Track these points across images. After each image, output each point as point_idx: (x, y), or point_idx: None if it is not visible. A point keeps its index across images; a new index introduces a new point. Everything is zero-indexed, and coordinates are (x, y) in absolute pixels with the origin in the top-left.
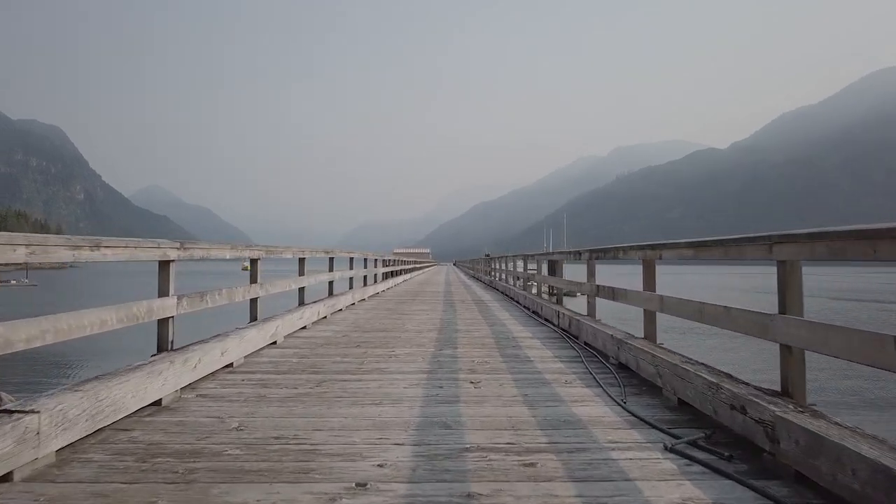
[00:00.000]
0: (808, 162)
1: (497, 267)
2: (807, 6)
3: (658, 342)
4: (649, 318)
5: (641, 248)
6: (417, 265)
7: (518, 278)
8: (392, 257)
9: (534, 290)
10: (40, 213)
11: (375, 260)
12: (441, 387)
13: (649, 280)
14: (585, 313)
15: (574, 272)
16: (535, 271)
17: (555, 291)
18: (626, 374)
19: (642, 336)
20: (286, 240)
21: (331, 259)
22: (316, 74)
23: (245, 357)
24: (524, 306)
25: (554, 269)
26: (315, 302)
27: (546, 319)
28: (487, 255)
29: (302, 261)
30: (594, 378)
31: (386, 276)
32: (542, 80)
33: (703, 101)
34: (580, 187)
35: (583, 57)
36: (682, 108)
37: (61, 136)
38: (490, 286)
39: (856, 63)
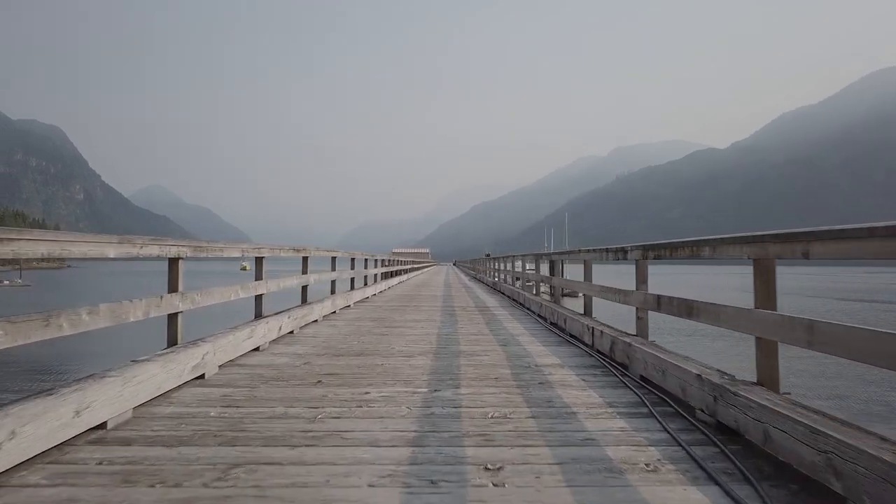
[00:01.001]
0: (808, 162)
1: (502, 268)
2: (807, 6)
3: (783, 391)
4: (767, 353)
5: (755, 240)
6: (415, 265)
7: (529, 281)
8: (386, 257)
9: (535, 291)
10: (39, 213)
11: (365, 260)
12: (434, 482)
13: (765, 290)
14: (634, 333)
15: (577, 273)
16: (551, 274)
17: (564, 293)
18: (738, 445)
19: (754, 381)
20: (286, 240)
21: (304, 259)
22: (316, 74)
23: (137, 408)
24: (539, 315)
25: (554, 269)
26: (277, 314)
27: (572, 336)
28: (488, 255)
29: (259, 261)
30: (690, 456)
31: (381, 277)
32: (541, 80)
33: (703, 101)
34: (580, 187)
35: (583, 57)
36: (682, 108)
37: (61, 136)
38: (494, 289)
39: (856, 63)
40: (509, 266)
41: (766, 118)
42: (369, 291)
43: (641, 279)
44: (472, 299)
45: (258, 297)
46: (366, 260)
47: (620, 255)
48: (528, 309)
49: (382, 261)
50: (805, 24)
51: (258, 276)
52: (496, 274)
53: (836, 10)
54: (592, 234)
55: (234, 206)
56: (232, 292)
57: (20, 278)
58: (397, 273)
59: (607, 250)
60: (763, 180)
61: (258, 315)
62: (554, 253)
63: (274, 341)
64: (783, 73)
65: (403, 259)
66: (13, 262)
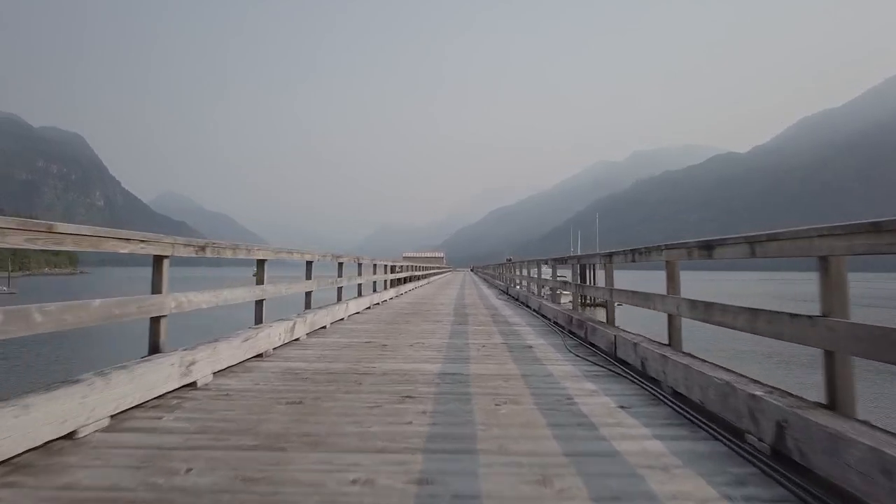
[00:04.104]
0: (830, 165)
1: (598, 282)
2: (829, 8)
3: None
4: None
5: None
6: (417, 273)
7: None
8: (367, 261)
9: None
10: (60, 220)
11: (309, 263)
12: None
13: None
14: None
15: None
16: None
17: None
18: None
19: None
20: (306, 246)
21: None
22: (331, 79)
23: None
24: None
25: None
26: None
27: None
28: (509, 260)
29: None
30: None
31: (385, 285)
32: (560, 85)
33: (723, 105)
34: (598, 192)
35: (601, 61)
36: (702, 111)
37: (81, 142)
38: (574, 334)
39: (879, 64)
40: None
41: (787, 121)
42: (276, 337)
43: None
44: (548, 398)
45: None
46: (258, 262)
47: None
48: None
49: (394, 266)
50: (827, 26)
51: None
52: (577, 293)
53: (856, 11)
54: (613, 239)
55: (253, 213)
56: None
57: (7, 286)
58: (398, 282)
59: None
60: (784, 184)
61: None
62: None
63: None
64: (801, 75)
65: (404, 264)
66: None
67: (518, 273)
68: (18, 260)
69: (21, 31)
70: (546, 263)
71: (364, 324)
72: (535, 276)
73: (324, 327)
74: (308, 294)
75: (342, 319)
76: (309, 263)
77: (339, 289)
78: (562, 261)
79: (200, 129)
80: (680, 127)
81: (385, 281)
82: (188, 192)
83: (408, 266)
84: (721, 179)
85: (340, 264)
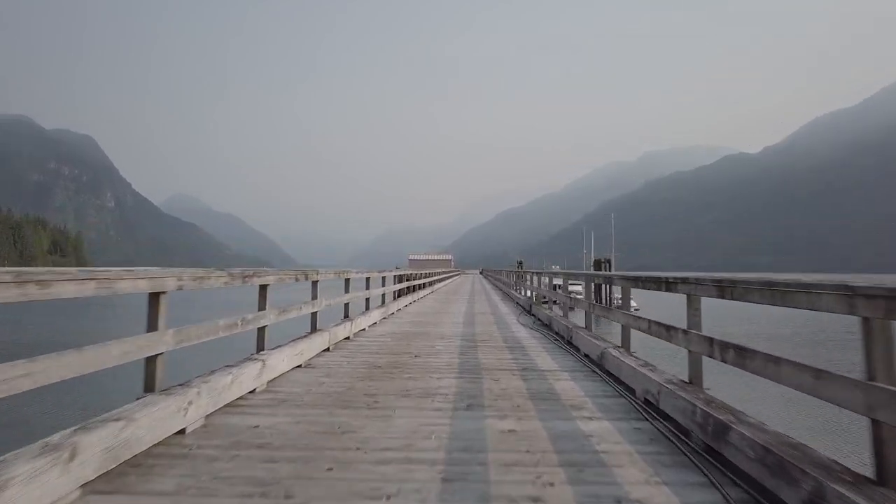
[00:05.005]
0: (844, 166)
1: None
2: (842, 7)
3: None
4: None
5: None
6: (416, 281)
7: None
8: (328, 276)
9: None
10: (72, 221)
11: (155, 295)
12: None
13: None
14: None
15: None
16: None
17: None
18: None
19: None
20: (318, 245)
21: None
22: (336, 79)
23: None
24: None
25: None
26: None
27: None
28: (520, 264)
29: None
30: None
31: (366, 304)
32: (561, 84)
33: (733, 105)
34: (609, 193)
35: (602, 61)
36: (713, 112)
37: (92, 144)
38: (714, 453)
39: (880, 64)
40: None
41: (800, 121)
42: None
43: None
44: None
45: None
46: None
47: None
48: None
49: (389, 276)
50: (842, 25)
51: None
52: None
53: (873, 8)
54: (620, 240)
55: (263, 215)
56: None
57: None
58: (394, 295)
59: None
60: (796, 185)
61: None
62: None
63: None
64: (815, 75)
65: (398, 273)
66: None
67: (548, 287)
68: (25, 263)
69: (29, 32)
70: (612, 283)
71: (278, 411)
72: (580, 294)
73: (181, 431)
74: (150, 361)
75: (253, 392)
76: (154, 297)
77: (261, 330)
78: (671, 285)
79: (201, 129)
80: (680, 127)
81: (367, 299)
82: (196, 192)
83: (404, 276)
84: (733, 180)
85: (263, 287)
